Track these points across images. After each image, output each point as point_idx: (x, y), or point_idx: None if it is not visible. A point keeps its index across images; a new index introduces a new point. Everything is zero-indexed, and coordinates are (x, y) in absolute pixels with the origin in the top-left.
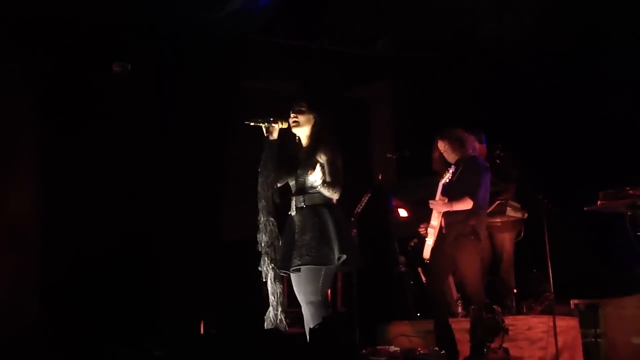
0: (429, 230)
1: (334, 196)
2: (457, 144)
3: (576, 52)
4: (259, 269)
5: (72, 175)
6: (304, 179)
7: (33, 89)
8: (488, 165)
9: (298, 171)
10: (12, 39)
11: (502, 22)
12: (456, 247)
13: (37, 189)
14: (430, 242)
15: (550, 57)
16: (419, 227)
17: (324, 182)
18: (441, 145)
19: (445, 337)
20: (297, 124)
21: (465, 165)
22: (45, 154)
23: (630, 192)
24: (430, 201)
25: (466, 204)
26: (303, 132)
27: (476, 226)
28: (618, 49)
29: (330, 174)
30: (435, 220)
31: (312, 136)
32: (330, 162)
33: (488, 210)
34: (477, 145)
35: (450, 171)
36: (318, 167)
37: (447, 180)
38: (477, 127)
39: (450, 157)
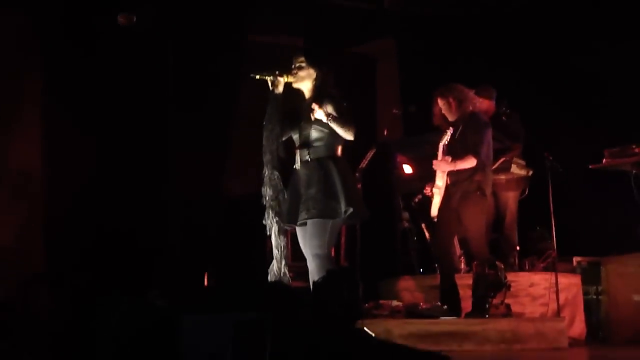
0: (435, 190)
1: (348, 134)
2: (456, 103)
3: (583, 9)
4: (264, 222)
5: (77, 124)
6: (308, 132)
7: (38, 36)
8: (488, 120)
9: (302, 124)
10: None
11: None
12: (462, 203)
13: (41, 138)
14: (437, 200)
15: (558, 15)
16: (424, 185)
17: (333, 117)
18: (440, 103)
19: (450, 294)
20: (298, 79)
21: (466, 123)
22: (49, 102)
23: (636, 150)
24: (434, 161)
25: (470, 162)
26: (305, 87)
27: (482, 182)
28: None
29: (340, 114)
30: (440, 180)
31: (315, 90)
32: (337, 110)
33: (492, 168)
34: (479, 101)
35: (449, 133)
36: (321, 111)
37: (446, 142)
38: (488, 85)
39: (450, 115)
